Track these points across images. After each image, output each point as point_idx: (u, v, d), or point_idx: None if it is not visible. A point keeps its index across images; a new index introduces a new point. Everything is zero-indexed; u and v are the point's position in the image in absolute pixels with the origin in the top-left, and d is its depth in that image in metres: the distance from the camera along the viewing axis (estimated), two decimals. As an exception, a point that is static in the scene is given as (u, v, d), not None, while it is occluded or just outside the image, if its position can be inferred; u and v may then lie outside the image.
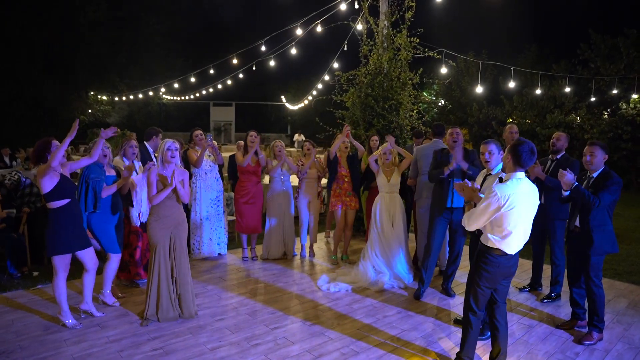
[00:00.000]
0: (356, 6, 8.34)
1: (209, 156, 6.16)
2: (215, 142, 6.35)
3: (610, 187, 3.80)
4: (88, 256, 4.10)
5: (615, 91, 14.18)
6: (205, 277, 5.48)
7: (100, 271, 4.60)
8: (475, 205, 3.24)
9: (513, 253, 3.20)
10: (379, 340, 3.91)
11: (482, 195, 3.20)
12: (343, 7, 8.70)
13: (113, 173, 4.67)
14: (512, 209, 3.04)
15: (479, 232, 3.47)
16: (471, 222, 3.19)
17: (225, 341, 3.84)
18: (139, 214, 5.01)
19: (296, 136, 23.44)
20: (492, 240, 3.18)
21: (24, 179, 6.23)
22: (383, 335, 4.01)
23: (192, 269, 5.50)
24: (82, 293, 4.26)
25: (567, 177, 3.77)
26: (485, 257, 3.22)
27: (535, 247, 5.15)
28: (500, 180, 3.26)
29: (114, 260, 4.53)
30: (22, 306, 4.51)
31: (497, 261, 3.18)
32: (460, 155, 4.63)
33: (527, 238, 3.26)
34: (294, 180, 6.53)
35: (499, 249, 3.16)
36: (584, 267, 3.98)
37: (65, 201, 3.91)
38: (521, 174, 3.15)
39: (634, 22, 14.62)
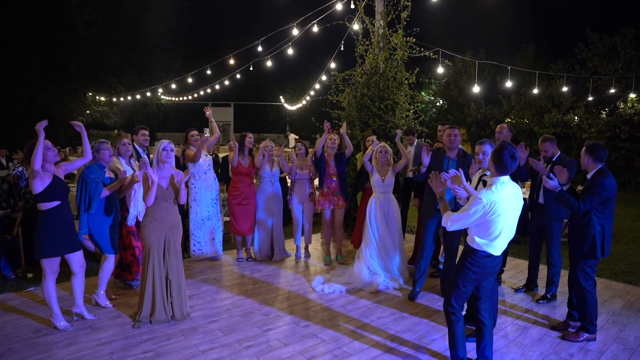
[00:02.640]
0: (352, 6, 8.33)
1: (206, 155, 6.14)
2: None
3: (593, 188, 3.77)
4: (75, 259, 4.06)
5: (612, 90, 14.17)
6: (199, 278, 5.45)
7: (94, 273, 4.59)
8: (450, 202, 3.26)
9: (498, 254, 3.23)
10: (372, 341, 3.89)
11: (459, 193, 3.34)
12: (339, 7, 8.69)
13: (112, 175, 4.64)
14: (499, 216, 3.06)
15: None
16: (453, 224, 3.18)
17: (217, 343, 3.81)
18: (137, 214, 4.97)
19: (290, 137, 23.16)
20: (478, 242, 3.18)
21: (26, 174, 6.20)
22: (376, 336, 3.98)
23: (187, 270, 5.50)
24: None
25: (550, 184, 3.80)
26: (471, 258, 3.23)
27: (532, 247, 5.13)
28: (484, 183, 3.25)
29: (110, 261, 4.49)
30: (14, 309, 4.48)
31: (482, 262, 3.20)
32: (427, 159, 4.84)
33: (511, 237, 3.27)
34: (288, 181, 6.51)
35: (485, 251, 3.18)
36: (574, 270, 3.99)
37: (55, 203, 3.88)
38: (505, 178, 3.15)
39: (631, 21, 14.62)
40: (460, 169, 3.50)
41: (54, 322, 4.00)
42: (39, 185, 3.80)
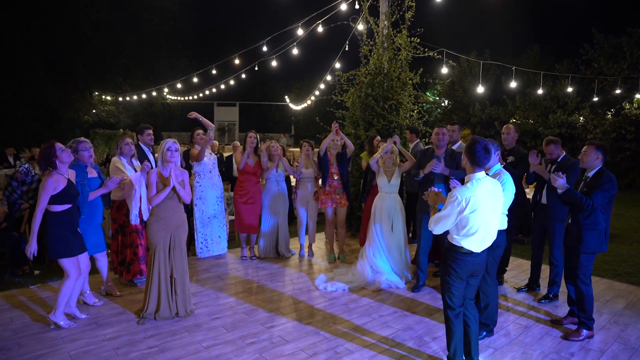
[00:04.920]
0: (356, 6, 8.35)
1: (211, 154, 6.19)
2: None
3: (603, 185, 3.83)
4: (83, 260, 4.14)
5: (618, 91, 14.12)
6: (203, 276, 5.50)
7: (95, 270, 4.63)
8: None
9: (479, 251, 3.21)
10: (373, 339, 3.92)
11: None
12: (344, 7, 8.72)
13: (94, 174, 4.59)
14: (475, 212, 3.07)
15: None
16: (436, 227, 3.19)
17: (221, 339, 3.86)
18: (139, 212, 5.01)
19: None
20: (456, 239, 3.20)
21: (33, 172, 6.24)
22: (377, 334, 4.02)
23: (192, 268, 5.56)
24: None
25: (559, 182, 3.82)
26: (452, 255, 3.24)
27: (534, 247, 5.14)
28: (462, 182, 3.26)
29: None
30: (22, 304, 4.55)
31: (463, 259, 3.20)
32: (436, 166, 4.83)
33: (494, 236, 3.28)
34: (292, 180, 6.56)
35: (464, 248, 3.18)
36: (573, 265, 4.02)
37: (67, 206, 3.93)
38: (481, 174, 3.17)
39: (637, 21, 14.56)
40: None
41: (55, 320, 3.99)
42: (51, 189, 3.80)
